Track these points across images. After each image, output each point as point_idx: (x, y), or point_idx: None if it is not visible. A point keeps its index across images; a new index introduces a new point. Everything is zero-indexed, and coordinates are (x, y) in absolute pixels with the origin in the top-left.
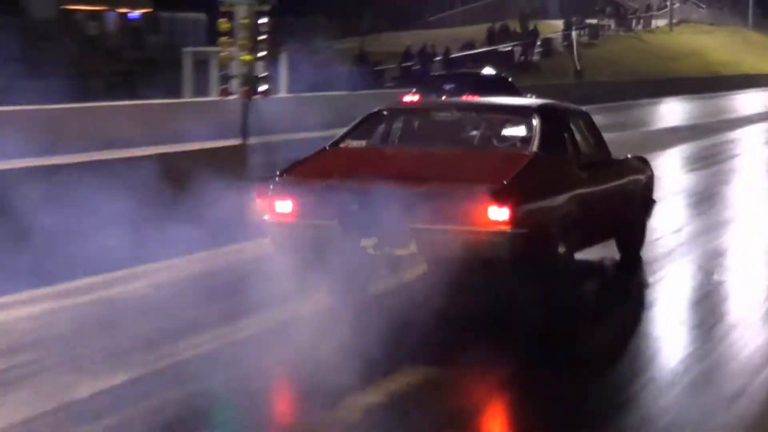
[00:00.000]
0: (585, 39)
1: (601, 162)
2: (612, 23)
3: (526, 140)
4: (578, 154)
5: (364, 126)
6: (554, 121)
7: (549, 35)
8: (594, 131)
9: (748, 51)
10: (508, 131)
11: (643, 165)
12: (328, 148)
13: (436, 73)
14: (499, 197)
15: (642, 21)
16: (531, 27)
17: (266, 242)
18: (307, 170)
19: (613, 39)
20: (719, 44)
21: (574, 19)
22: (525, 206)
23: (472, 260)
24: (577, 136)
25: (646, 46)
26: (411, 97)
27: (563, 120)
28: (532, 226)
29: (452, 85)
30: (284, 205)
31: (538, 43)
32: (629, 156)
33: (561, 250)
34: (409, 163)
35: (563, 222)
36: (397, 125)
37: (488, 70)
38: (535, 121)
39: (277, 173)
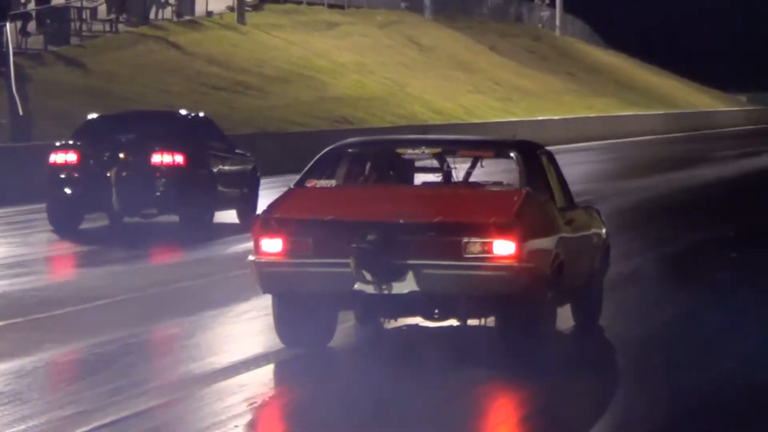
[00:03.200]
0: (39, 45)
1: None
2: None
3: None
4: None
5: (326, 163)
6: (534, 157)
7: None
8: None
9: (419, 68)
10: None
11: (599, 218)
12: (294, 187)
13: (96, 115)
14: (506, 231)
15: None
16: None
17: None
18: (294, 210)
19: (106, 44)
20: (354, 52)
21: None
22: (528, 242)
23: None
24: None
25: (182, 59)
26: (64, 156)
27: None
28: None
29: (131, 135)
30: (273, 244)
31: None
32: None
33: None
34: (397, 200)
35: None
36: (363, 162)
37: None
38: (517, 158)
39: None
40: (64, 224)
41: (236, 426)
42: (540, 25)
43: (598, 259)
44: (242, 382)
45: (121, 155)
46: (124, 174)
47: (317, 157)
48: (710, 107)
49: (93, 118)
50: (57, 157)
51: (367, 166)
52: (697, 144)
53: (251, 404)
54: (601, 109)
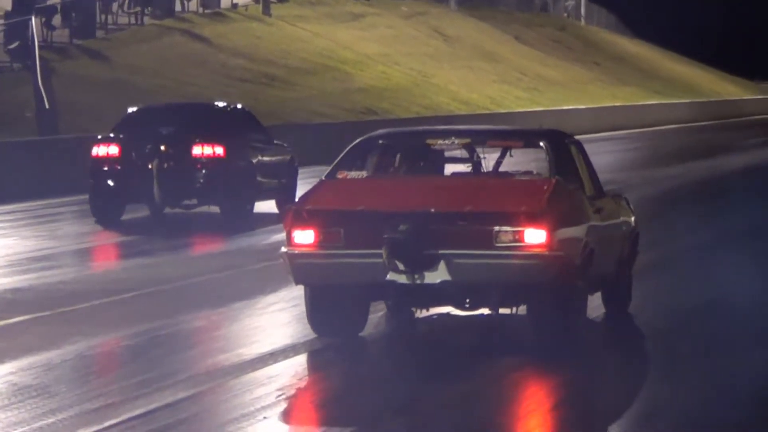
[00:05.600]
0: (65, 39)
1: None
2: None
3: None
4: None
5: (357, 154)
6: (563, 147)
7: None
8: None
9: (444, 58)
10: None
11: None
12: (325, 178)
13: (136, 108)
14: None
15: None
16: None
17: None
18: (326, 201)
19: (131, 37)
20: (379, 43)
21: None
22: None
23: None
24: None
25: (207, 51)
26: (106, 148)
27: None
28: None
29: (172, 127)
30: (305, 236)
31: None
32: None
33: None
34: (428, 191)
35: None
36: (393, 153)
37: None
38: (546, 147)
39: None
40: (106, 215)
41: (265, 417)
42: (565, 15)
43: (627, 247)
44: (271, 373)
45: (162, 147)
46: (165, 166)
47: (348, 148)
48: (736, 95)
49: (133, 111)
50: (99, 150)
51: (398, 157)
52: (723, 133)
53: (280, 395)
54: (627, 99)
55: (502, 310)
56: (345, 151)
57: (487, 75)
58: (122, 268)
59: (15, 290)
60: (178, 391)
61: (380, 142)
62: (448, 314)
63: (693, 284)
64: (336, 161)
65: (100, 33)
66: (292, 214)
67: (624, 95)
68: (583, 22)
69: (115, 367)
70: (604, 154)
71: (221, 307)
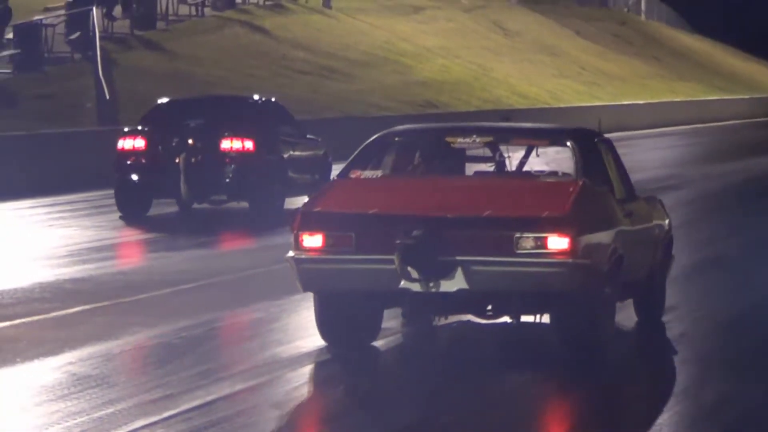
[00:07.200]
0: (125, 30)
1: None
2: None
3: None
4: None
5: (372, 152)
6: (591, 146)
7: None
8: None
9: (504, 52)
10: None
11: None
12: (338, 178)
13: (166, 100)
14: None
15: None
16: None
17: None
18: (337, 203)
19: (191, 28)
20: (439, 36)
21: None
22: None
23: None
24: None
25: (267, 43)
26: (132, 141)
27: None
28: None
29: (200, 120)
30: (314, 240)
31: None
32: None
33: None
34: (446, 192)
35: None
36: (411, 152)
37: None
38: (572, 147)
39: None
40: (132, 210)
41: (324, 409)
42: (625, 9)
43: (660, 253)
44: (329, 366)
45: (190, 141)
46: (192, 160)
47: (363, 145)
48: None
49: (162, 103)
50: (125, 143)
51: (416, 156)
52: None
53: (338, 387)
54: (687, 94)
55: (524, 318)
56: (360, 149)
57: (546, 69)
58: (181, 259)
59: (75, 280)
60: (236, 383)
61: (397, 139)
62: (468, 322)
63: (743, 285)
64: (350, 159)
65: (160, 24)
66: (301, 216)
67: (684, 90)
68: (643, 16)
69: (173, 358)
70: (663, 149)
71: (280, 299)
